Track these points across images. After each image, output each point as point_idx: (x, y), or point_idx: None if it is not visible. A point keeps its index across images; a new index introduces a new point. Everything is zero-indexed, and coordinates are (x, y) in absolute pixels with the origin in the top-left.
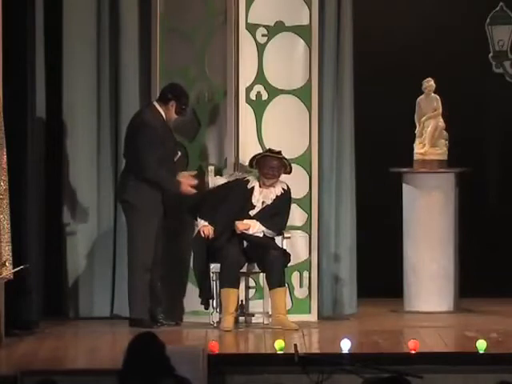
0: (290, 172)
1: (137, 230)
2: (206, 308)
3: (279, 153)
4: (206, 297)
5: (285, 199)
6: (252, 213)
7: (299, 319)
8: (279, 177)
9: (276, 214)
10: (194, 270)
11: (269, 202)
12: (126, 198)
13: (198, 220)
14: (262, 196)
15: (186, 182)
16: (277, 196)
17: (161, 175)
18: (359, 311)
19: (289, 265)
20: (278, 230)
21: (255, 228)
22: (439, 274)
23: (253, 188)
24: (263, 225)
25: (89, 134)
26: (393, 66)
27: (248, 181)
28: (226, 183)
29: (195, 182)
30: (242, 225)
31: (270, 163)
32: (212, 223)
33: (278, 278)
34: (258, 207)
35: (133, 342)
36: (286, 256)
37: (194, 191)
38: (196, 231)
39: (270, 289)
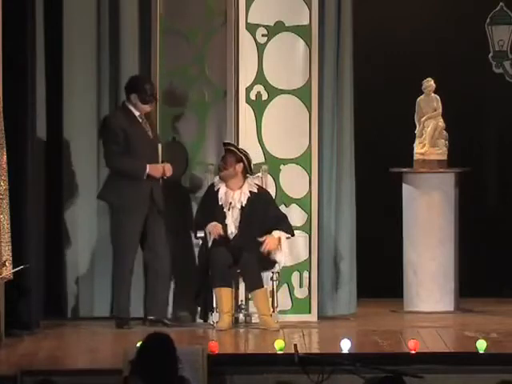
0: (250, 170)
1: (116, 229)
2: (205, 320)
3: (230, 144)
4: (205, 308)
5: (266, 199)
6: (232, 220)
7: (299, 319)
8: (232, 170)
9: (277, 216)
10: (196, 281)
11: (239, 205)
12: (105, 197)
13: (205, 229)
14: (230, 198)
15: (155, 167)
16: (249, 198)
17: (121, 162)
18: (359, 311)
19: (289, 265)
20: (292, 231)
21: (282, 240)
22: (439, 273)
23: (218, 190)
24: (282, 231)
25: (89, 134)
26: (393, 65)
27: (214, 184)
28: (206, 190)
29: (166, 167)
30: (273, 243)
31: (223, 155)
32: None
33: (253, 280)
34: (235, 212)
35: (149, 338)
36: (264, 260)
37: (167, 174)
38: (200, 245)
39: (248, 292)
